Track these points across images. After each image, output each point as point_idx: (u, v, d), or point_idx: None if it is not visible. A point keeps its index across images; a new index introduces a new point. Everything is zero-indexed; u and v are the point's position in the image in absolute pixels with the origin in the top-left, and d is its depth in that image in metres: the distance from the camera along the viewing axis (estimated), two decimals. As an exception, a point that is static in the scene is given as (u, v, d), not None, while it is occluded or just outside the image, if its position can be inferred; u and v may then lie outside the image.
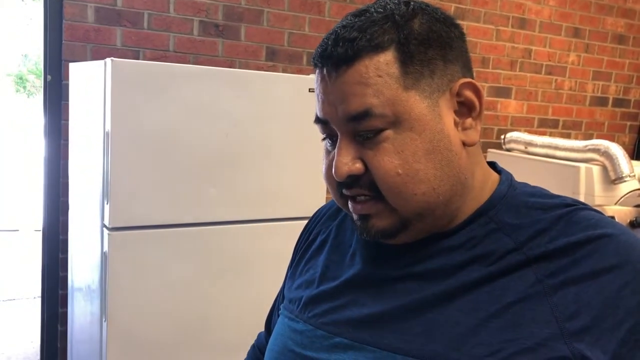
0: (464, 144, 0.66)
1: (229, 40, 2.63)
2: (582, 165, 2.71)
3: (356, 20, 0.65)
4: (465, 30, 2.82)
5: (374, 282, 0.70)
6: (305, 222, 0.90)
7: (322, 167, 0.71)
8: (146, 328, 1.89)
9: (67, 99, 2.35)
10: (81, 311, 2.18)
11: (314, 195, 2.10)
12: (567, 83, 3.58)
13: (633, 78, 3.82)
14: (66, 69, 2.33)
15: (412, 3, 0.66)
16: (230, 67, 2.62)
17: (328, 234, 0.82)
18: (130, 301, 1.85)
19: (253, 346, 1.00)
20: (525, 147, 3.07)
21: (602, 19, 3.61)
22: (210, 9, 2.58)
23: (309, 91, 2.06)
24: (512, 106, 3.42)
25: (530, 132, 3.36)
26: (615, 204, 2.68)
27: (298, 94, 2.06)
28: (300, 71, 2.77)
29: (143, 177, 1.82)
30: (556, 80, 3.54)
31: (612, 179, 2.65)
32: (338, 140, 0.66)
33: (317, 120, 0.69)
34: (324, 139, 0.70)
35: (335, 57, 0.64)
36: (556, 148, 2.90)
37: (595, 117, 3.74)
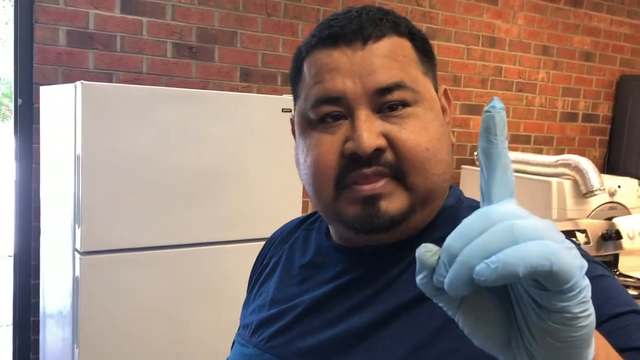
0: None
1: (202, 61, 2.64)
2: (554, 180, 2.76)
3: (367, 9, 0.66)
4: (436, 50, 2.86)
5: (320, 304, 0.69)
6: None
7: (311, 154, 0.65)
8: (119, 353, 1.86)
9: (38, 123, 2.33)
10: (53, 338, 2.13)
11: (289, 215, 2.09)
12: (537, 99, 3.66)
13: (601, 94, 3.91)
14: (37, 92, 2.31)
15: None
16: (204, 89, 2.63)
17: (280, 256, 0.81)
18: (102, 326, 1.82)
19: None
20: (498, 163, 3.11)
21: (569, 37, 3.70)
22: (184, 31, 2.59)
23: (282, 111, 2.08)
24: (484, 123, 3.47)
25: (503, 148, 3.41)
26: (587, 217, 2.73)
27: (272, 114, 2.07)
28: (274, 91, 2.78)
29: (115, 200, 1.81)
30: (527, 97, 3.61)
31: (583, 192, 2.71)
32: (358, 114, 0.62)
33: (324, 100, 0.64)
34: (322, 120, 0.65)
35: (362, 32, 0.63)
36: (528, 163, 2.95)
37: (565, 132, 3.81)
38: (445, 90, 0.71)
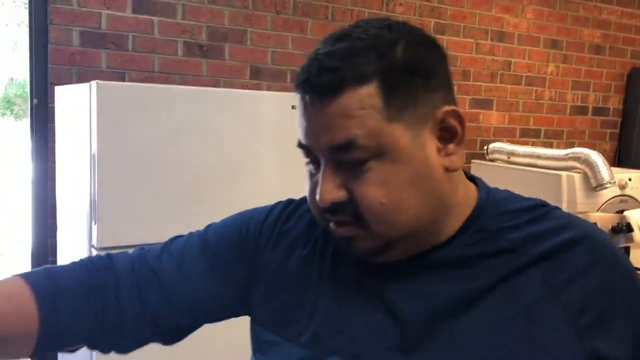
0: (447, 169, 0.67)
1: (213, 60, 2.67)
2: (564, 174, 2.77)
3: (338, 47, 0.64)
4: (445, 45, 2.87)
5: (381, 300, 0.69)
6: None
7: (306, 190, 0.71)
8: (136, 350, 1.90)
9: (53, 122, 2.37)
10: (71, 332, 2.18)
11: (300, 210, 2.12)
12: (547, 93, 3.65)
13: (611, 87, 3.90)
14: (52, 92, 2.36)
15: (394, 26, 0.66)
16: (215, 87, 2.66)
17: (313, 248, 0.78)
18: (120, 321, 1.86)
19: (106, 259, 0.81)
20: (508, 157, 3.12)
21: (578, 30, 3.69)
22: (194, 29, 2.62)
23: (292, 108, 2.10)
24: (494, 117, 3.48)
25: (512, 142, 3.42)
26: (597, 210, 2.73)
27: (283, 111, 2.09)
28: (284, 89, 2.81)
29: (130, 197, 1.84)
30: (536, 90, 3.61)
31: (593, 186, 2.71)
32: (322, 167, 0.66)
33: (300, 145, 0.68)
34: (307, 162, 0.70)
35: (319, 87, 0.63)
36: (538, 157, 2.96)
37: (575, 125, 3.81)
38: (448, 112, 0.66)
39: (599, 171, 2.69)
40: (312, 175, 0.69)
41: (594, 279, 0.64)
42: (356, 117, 0.62)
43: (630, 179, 2.91)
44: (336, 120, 0.62)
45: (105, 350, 0.77)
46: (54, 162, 2.38)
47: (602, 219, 2.51)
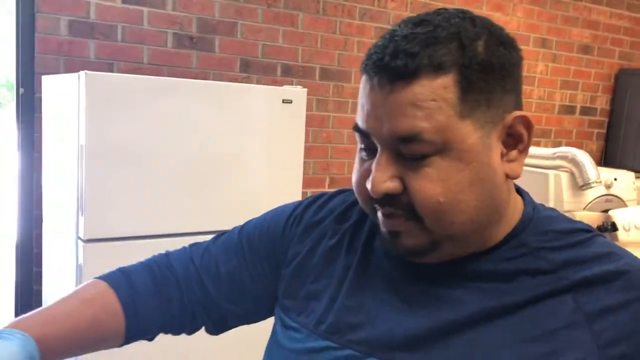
0: (507, 176, 0.65)
1: (203, 52, 2.65)
2: (551, 172, 2.79)
3: (419, 32, 0.60)
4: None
5: (406, 300, 0.68)
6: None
7: (354, 176, 0.68)
8: (122, 340, 1.89)
9: (40, 112, 2.34)
10: (56, 325, 2.16)
11: (289, 205, 2.12)
12: (536, 92, 3.67)
13: (599, 87, 3.93)
14: (39, 81, 2.33)
15: (477, 20, 0.63)
16: (205, 79, 2.64)
17: (340, 239, 0.77)
18: (105, 313, 1.85)
19: (163, 257, 0.87)
20: (496, 155, 3.13)
21: (568, 30, 3.72)
22: (184, 21, 2.60)
23: (283, 102, 2.09)
24: (483, 115, 3.49)
25: (501, 140, 3.43)
26: (584, 209, 2.76)
27: (272, 105, 2.09)
28: (274, 82, 2.80)
29: (118, 188, 1.83)
30: (525, 89, 3.63)
31: (580, 185, 2.73)
32: (378, 154, 0.63)
33: (357, 129, 0.65)
34: (361, 148, 0.67)
35: (392, 69, 0.60)
36: (526, 156, 2.98)
37: (563, 125, 3.84)
38: (519, 118, 0.63)
39: (585, 170, 2.71)
40: (363, 162, 0.66)
41: (628, 317, 0.61)
42: (426, 108, 0.59)
43: (615, 179, 2.94)
44: (404, 108, 0.59)
45: (176, 334, 0.85)
46: (40, 152, 2.35)
47: (588, 218, 2.54)
